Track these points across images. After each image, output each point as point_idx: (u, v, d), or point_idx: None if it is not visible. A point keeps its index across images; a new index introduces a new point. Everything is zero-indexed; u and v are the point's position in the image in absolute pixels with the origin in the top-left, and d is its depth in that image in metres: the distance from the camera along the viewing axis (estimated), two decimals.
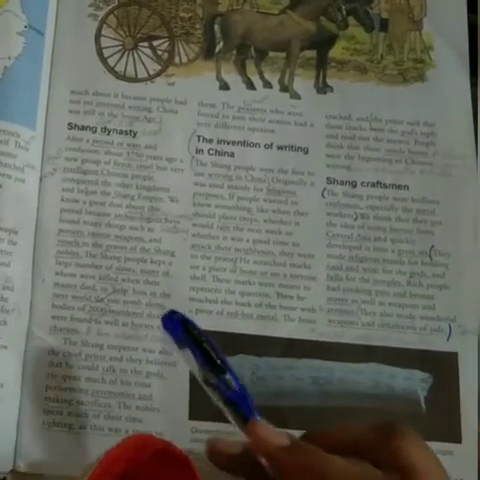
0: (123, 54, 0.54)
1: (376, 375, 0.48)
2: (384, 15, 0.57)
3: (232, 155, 0.52)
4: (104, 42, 0.54)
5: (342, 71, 0.55)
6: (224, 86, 0.54)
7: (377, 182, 0.52)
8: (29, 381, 0.47)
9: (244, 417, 0.37)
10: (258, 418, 0.37)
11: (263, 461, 0.36)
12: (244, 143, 0.53)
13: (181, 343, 0.38)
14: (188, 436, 0.47)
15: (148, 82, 0.54)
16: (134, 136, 0.52)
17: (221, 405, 0.38)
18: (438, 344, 0.49)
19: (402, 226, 0.51)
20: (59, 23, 0.54)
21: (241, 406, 0.37)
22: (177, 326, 0.38)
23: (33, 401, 0.47)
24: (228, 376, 0.37)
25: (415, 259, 0.51)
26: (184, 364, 0.39)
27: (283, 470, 0.35)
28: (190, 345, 0.37)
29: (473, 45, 0.55)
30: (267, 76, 0.55)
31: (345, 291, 0.50)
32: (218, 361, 0.37)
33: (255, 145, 0.53)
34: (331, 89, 0.55)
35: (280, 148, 0.53)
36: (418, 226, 0.51)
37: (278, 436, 0.36)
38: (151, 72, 0.54)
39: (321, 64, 0.55)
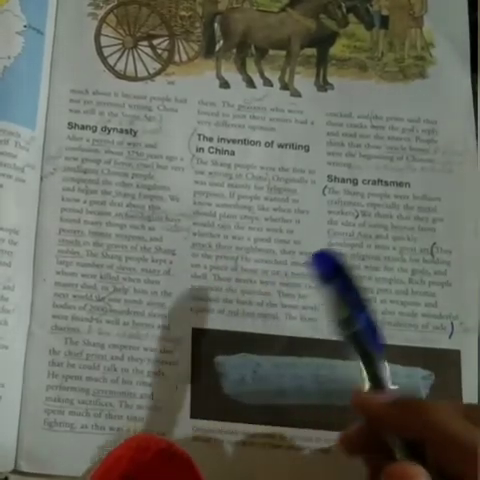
0: (123, 53, 0.54)
1: None
2: (384, 12, 0.57)
3: (232, 153, 0.52)
4: (104, 41, 0.54)
5: (342, 69, 0.55)
6: (224, 84, 0.54)
7: (378, 180, 0.52)
8: (30, 381, 0.47)
9: (370, 355, 0.39)
10: (383, 362, 0.39)
11: None
12: (244, 141, 0.53)
13: (329, 278, 0.39)
14: (190, 435, 0.47)
15: (148, 81, 0.54)
16: (134, 135, 0.52)
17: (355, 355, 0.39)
18: (440, 342, 0.49)
19: (403, 223, 0.51)
20: (59, 22, 0.54)
21: (369, 342, 0.39)
22: (328, 262, 0.40)
23: (34, 401, 0.47)
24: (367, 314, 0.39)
25: (417, 256, 0.51)
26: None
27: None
28: (341, 279, 0.39)
29: (474, 42, 0.55)
30: (267, 74, 0.55)
31: None
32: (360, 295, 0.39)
33: (256, 143, 0.53)
34: (331, 87, 0.54)
35: (281, 146, 0.53)
36: (420, 223, 0.51)
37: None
38: (151, 71, 0.54)
39: (321, 62, 0.55)
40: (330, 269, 0.39)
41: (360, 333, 0.38)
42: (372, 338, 0.39)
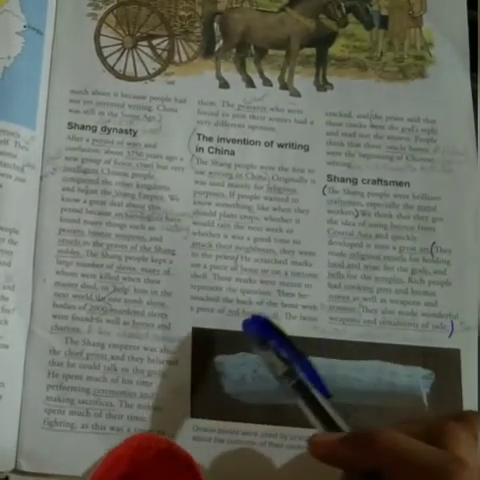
0: (122, 53, 0.54)
1: (378, 372, 0.48)
2: (384, 12, 0.57)
3: (232, 153, 0.52)
4: (103, 41, 0.54)
5: (342, 68, 0.55)
6: (224, 84, 0.54)
7: (378, 179, 0.52)
8: (30, 380, 0.47)
9: (318, 400, 0.41)
10: (329, 404, 0.41)
11: None
12: (244, 141, 0.53)
13: (264, 339, 0.43)
14: (190, 434, 0.47)
15: (148, 81, 0.54)
16: (134, 135, 0.52)
17: (301, 403, 0.42)
18: (440, 341, 0.49)
19: (403, 223, 0.51)
20: (58, 22, 0.54)
21: (313, 387, 0.42)
22: (261, 325, 0.44)
23: (34, 400, 0.47)
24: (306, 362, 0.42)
25: (416, 256, 0.51)
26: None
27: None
28: (275, 338, 0.43)
29: (473, 41, 0.55)
30: (267, 74, 0.55)
31: (346, 288, 0.50)
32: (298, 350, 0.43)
33: (255, 143, 0.53)
34: (331, 86, 0.54)
35: (280, 146, 0.53)
36: (419, 223, 0.51)
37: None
38: (151, 71, 0.54)
39: (321, 61, 0.55)
40: (263, 330, 0.43)
41: (303, 380, 0.41)
42: (316, 384, 0.42)
